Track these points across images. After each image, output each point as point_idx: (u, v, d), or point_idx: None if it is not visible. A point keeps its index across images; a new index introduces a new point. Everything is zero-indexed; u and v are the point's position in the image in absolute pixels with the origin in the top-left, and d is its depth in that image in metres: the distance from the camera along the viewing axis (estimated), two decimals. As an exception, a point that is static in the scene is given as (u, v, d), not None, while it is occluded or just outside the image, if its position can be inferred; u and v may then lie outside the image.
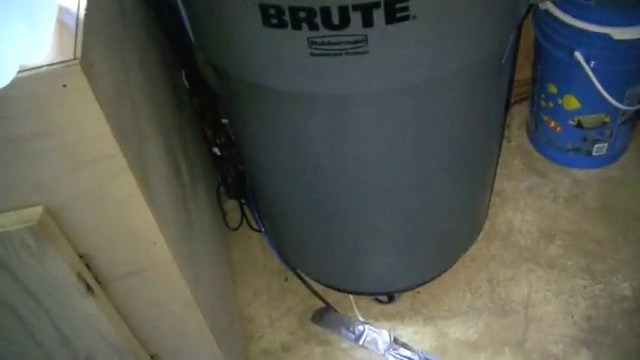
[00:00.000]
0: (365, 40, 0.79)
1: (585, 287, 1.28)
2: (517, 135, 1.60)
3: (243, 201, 1.37)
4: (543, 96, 1.42)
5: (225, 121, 1.27)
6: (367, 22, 0.77)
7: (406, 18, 0.77)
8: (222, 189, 1.39)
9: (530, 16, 1.36)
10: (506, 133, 1.58)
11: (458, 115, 0.96)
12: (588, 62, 1.25)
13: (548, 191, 1.47)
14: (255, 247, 1.44)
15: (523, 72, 1.54)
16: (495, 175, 1.39)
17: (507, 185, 1.49)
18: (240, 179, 1.32)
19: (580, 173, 1.49)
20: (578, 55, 1.25)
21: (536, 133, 1.53)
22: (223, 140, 1.26)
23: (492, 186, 1.38)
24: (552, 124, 1.44)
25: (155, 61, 1.02)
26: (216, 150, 1.23)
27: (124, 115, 0.74)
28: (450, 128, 0.97)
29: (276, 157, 1.04)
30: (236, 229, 1.43)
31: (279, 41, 0.81)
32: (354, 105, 0.89)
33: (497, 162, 1.39)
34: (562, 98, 1.37)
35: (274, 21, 0.78)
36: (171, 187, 0.94)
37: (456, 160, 1.04)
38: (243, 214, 1.41)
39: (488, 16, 0.85)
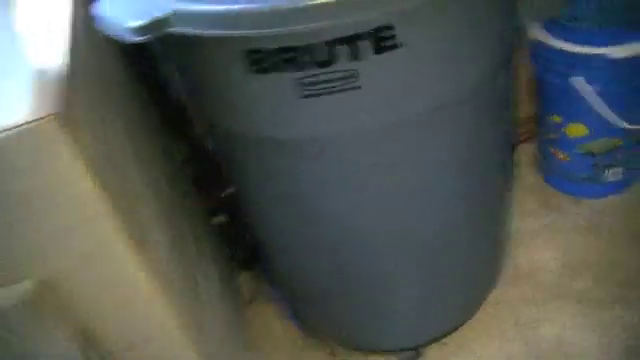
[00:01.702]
0: (356, 74, 0.76)
1: (622, 317, 1.22)
2: (527, 173, 1.56)
3: (256, 271, 1.33)
4: (548, 128, 1.39)
5: (230, 190, 1.24)
6: (355, 55, 0.75)
7: (394, 47, 0.75)
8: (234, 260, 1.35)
9: (528, 50, 1.34)
10: (516, 172, 1.54)
11: (461, 147, 0.92)
12: (588, 86, 1.22)
13: (568, 224, 1.42)
14: (273, 318, 1.39)
15: (527, 110, 1.51)
16: (510, 215, 1.35)
17: (524, 224, 1.44)
18: (250, 248, 1.28)
19: (598, 202, 1.44)
20: (576, 80, 1.22)
21: (546, 168, 1.49)
22: (227, 207, 1.22)
23: (508, 225, 1.34)
24: (561, 156, 1.41)
25: (144, 127, 1.00)
26: (221, 218, 1.20)
27: (111, 174, 0.71)
28: (453, 161, 0.93)
29: (280, 212, 1.00)
30: (251, 301, 1.38)
31: (267, 86, 0.79)
32: (353, 144, 0.86)
33: (510, 201, 1.35)
34: (567, 127, 1.33)
35: (260, 66, 0.76)
36: (174, 257, 0.91)
37: (464, 196, 1.00)
38: (257, 285, 1.37)
39: (478, 38, 0.83)
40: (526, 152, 1.58)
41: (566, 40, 1.20)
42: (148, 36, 0.74)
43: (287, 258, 1.11)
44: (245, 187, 1.04)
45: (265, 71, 0.77)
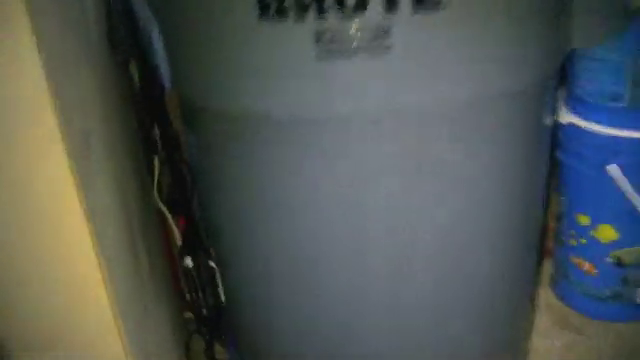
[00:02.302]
0: (387, 32, 0.63)
1: None
2: (542, 290, 1.38)
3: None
4: (572, 232, 1.23)
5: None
6: (391, 5, 0.62)
7: (437, 4, 0.62)
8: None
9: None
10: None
11: (499, 160, 0.77)
12: (625, 177, 1.08)
13: (589, 349, 1.22)
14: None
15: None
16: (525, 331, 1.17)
17: (539, 343, 1.24)
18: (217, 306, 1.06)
19: (623, 327, 1.25)
20: (612, 169, 1.08)
21: (565, 283, 1.31)
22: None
23: (524, 336, 1.14)
24: (586, 266, 1.24)
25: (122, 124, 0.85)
26: (188, 262, 0.98)
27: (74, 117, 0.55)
28: (485, 177, 0.77)
29: (263, 231, 0.82)
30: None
31: (276, 39, 0.65)
32: (373, 132, 0.70)
33: (527, 310, 1.17)
34: (596, 229, 1.18)
35: (271, 9, 0.63)
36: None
37: (490, 235, 0.83)
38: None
39: (533, 26, 0.70)
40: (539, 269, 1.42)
41: (602, 122, 1.08)
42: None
43: (266, 302, 0.90)
44: (220, 197, 0.85)
45: (280, 15, 0.63)
